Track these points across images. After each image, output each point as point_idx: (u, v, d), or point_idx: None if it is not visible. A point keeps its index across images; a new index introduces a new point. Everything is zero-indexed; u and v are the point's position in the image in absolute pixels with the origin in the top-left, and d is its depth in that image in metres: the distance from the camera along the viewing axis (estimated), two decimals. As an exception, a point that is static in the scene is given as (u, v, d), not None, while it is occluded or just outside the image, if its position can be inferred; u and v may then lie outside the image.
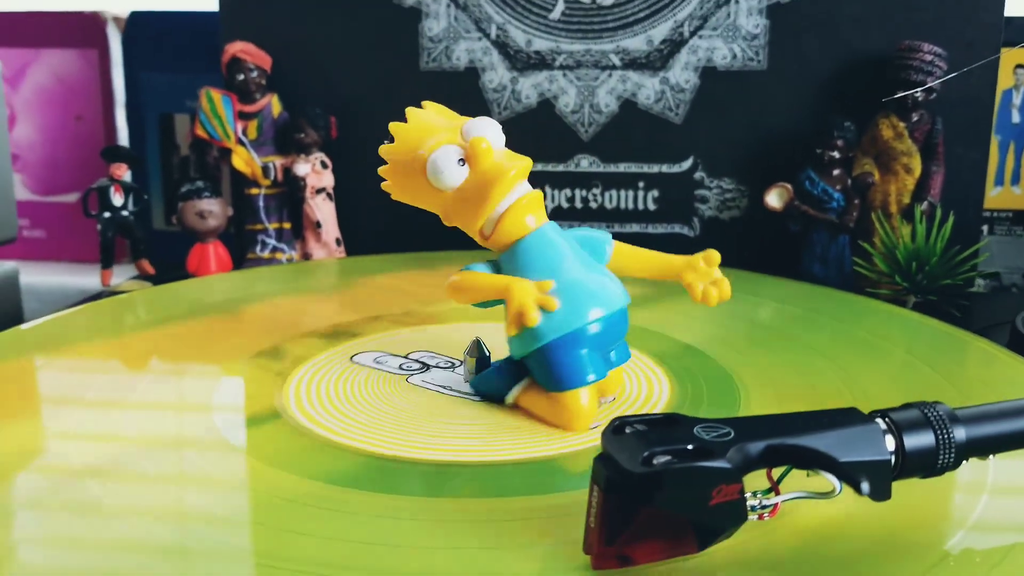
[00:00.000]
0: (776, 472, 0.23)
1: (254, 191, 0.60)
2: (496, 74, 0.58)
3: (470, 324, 0.42)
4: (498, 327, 0.37)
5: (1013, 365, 0.37)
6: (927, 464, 0.24)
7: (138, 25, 0.76)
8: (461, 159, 0.32)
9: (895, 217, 0.53)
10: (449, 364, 0.37)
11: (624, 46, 0.57)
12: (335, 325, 0.42)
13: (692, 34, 0.56)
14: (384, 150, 0.34)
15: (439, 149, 0.32)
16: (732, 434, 0.22)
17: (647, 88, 0.57)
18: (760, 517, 0.23)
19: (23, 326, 0.41)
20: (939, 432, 0.24)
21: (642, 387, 0.35)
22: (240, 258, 0.60)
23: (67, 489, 0.26)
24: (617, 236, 0.57)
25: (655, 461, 0.21)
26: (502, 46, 0.58)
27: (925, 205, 0.53)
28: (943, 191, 0.54)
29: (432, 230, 0.60)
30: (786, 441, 0.22)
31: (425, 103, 0.35)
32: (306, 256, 0.60)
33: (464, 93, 0.59)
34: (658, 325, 0.42)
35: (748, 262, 0.57)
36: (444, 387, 0.35)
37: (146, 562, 0.23)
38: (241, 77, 0.58)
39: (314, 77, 0.60)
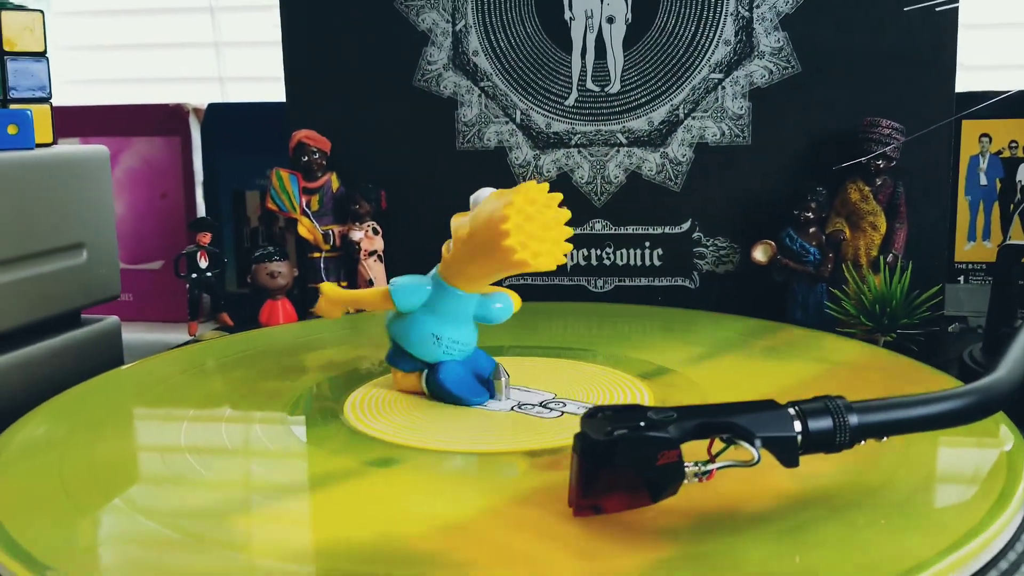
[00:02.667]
0: (715, 449, 0.31)
1: (316, 255, 0.69)
2: (521, 152, 0.67)
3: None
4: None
5: (948, 383, 0.45)
6: (827, 442, 0.31)
7: (215, 115, 0.86)
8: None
9: (864, 268, 0.61)
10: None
11: (629, 127, 0.65)
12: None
13: (687, 116, 0.65)
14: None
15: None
16: (675, 416, 0.30)
17: (650, 162, 0.66)
18: (701, 480, 0.30)
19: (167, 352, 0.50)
20: (836, 418, 0.31)
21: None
22: (304, 313, 0.69)
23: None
24: (626, 289, 0.66)
25: (614, 433, 0.29)
26: (526, 128, 0.67)
27: (890, 257, 0.60)
28: (908, 245, 0.61)
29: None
30: (715, 419, 0.30)
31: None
32: (360, 311, 0.68)
33: (494, 169, 0.68)
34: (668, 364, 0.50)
35: (741, 308, 0.64)
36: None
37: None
38: (305, 159, 0.68)
39: (366, 157, 0.69)
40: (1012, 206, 0.73)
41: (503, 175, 0.68)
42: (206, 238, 0.63)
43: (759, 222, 0.64)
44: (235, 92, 0.94)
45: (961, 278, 0.73)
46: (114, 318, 0.61)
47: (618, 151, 0.66)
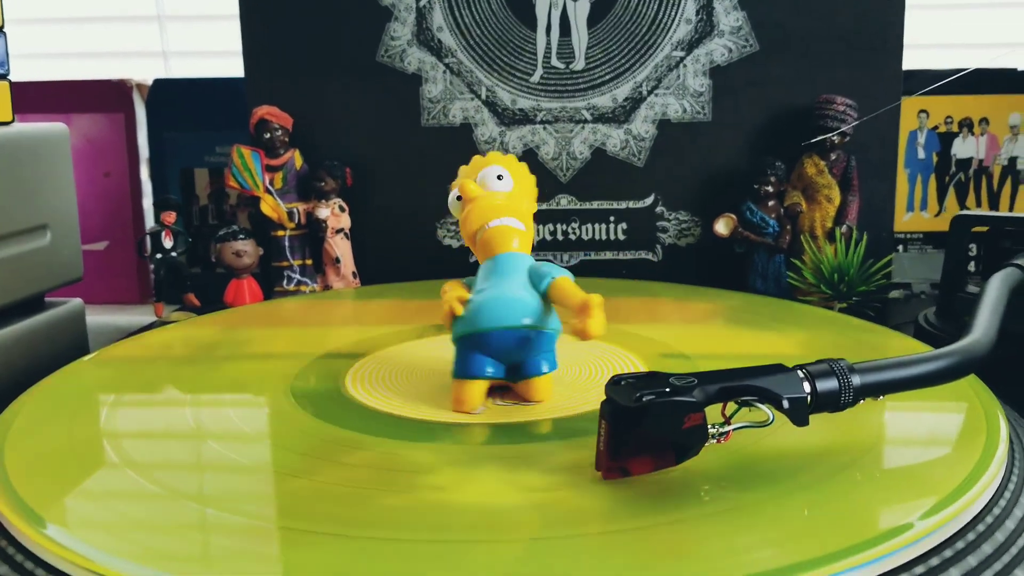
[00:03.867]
0: (728, 411, 0.33)
1: (280, 233, 0.68)
2: (487, 129, 0.68)
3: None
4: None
5: (913, 345, 0.47)
6: (833, 402, 0.33)
7: (161, 91, 0.84)
8: (459, 196, 0.41)
9: (820, 239, 0.63)
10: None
11: (594, 103, 0.67)
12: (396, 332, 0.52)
13: (649, 93, 0.66)
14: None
15: (451, 192, 0.42)
16: (696, 381, 0.32)
17: (614, 138, 0.67)
18: (718, 441, 0.32)
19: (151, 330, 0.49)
20: (841, 379, 0.33)
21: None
22: (268, 291, 0.68)
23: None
24: (591, 263, 0.67)
25: (643, 399, 0.30)
26: (491, 105, 0.67)
27: (844, 228, 0.63)
28: (859, 216, 0.64)
29: (431, 261, 0.69)
30: (734, 383, 0.32)
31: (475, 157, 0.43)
32: (327, 288, 0.68)
33: (460, 145, 0.68)
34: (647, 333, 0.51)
35: (703, 280, 0.66)
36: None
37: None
38: (267, 135, 0.67)
39: (330, 134, 0.69)
40: (947, 178, 0.77)
41: (469, 151, 0.67)
42: (171, 217, 0.62)
43: (720, 196, 0.66)
44: (179, 67, 0.91)
45: (900, 247, 0.77)
46: (78, 301, 0.59)
47: (583, 127, 0.67)
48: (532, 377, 0.40)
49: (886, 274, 0.60)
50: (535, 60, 0.66)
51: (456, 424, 0.38)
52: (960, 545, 0.28)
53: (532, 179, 0.43)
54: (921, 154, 0.77)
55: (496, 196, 0.41)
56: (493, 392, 0.40)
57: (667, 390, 0.31)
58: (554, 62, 0.66)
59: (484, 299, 0.39)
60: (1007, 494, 0.32)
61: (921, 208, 0.78)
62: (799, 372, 0.33)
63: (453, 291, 0.40)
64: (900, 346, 0.48)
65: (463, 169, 0.43)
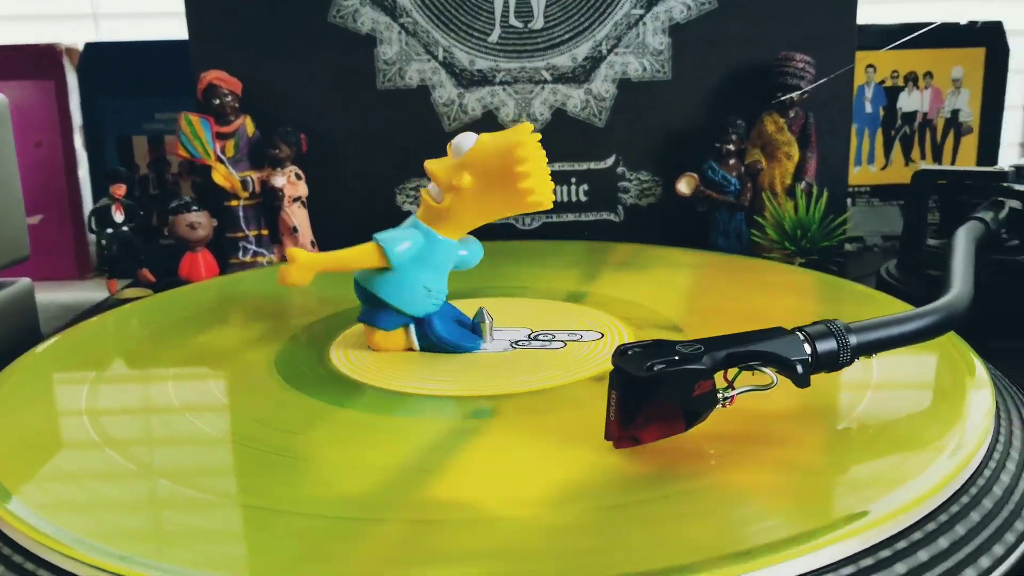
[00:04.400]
0: (731, 376, 0.33)
1: (234, 203, 0.65)
2: (445, 91, 0.66)
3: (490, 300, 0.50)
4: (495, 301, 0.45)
5: (879, 298, 0.49)
6: (832, 361, 0.33)
7: (93, 55, 0.80)
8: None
9: (780, 196, 0.64)
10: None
11: (553, 63, 0.66)
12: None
13: (609, 52, 0.65)
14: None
15: None
16: (702, 348, 0.32)
17: (574, 98, 0.66)
18: (724, 405, 0.32)
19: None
20: (839, 339, 0.33)
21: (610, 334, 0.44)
22: (223, 264, 0.66)
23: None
24: (554, 225, 0.67)
25: (655, 368, 0.30)
26: (449, 66, 0.66)
27: (803, 184, 0.64)
28: (817, 172, 0.65)
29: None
30: (739, 348, 0.32)
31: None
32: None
33: (417, 108, 0.66)
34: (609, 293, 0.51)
35: (665, 239, 0.66)
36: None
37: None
38: (217, 101, 0.64)
39: (281, 98, 0.66)
40: (893, 132, 0.79)
41: (427, 114, 0.66)
42: (120, 190, 0.59)
43: (680, 155, 0.66)
44: (111, 30, 0.87)
45: (849, 200, 0.78)
46: (26, 280, 0.57)
47: (543, 88, 0.66)
48: (365, 324, 0.43)
49: (846, 230, 0.61)
50: (493, 19, 0.65)
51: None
52: (964, 499, 0.29)
53: (501, 161, 0.40)
54: (868, 108, 0.78)
55: (434, 161, 0.40)
56: None
57: (676, 359, 0.31)
58: (512, 21, 0.65)
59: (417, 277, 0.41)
60: (999, 447, 0.33)
61: (868, 162, 0.79)
62: (799, 334, 0.33)
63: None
64: (862, 295, 0.49)
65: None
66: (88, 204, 0.83)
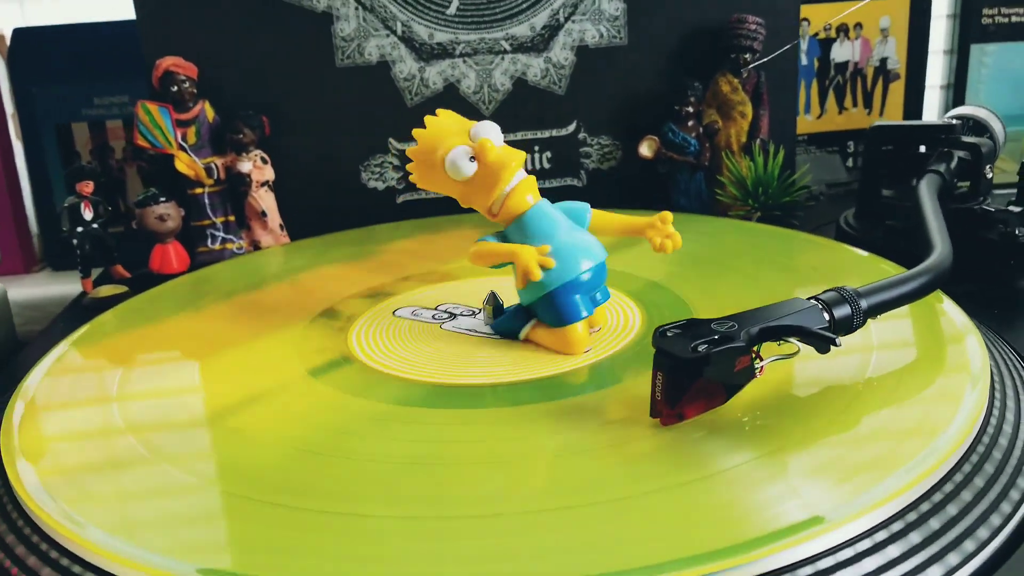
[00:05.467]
0: (759, 348, 0.34)
1: (198, 191, 0.64)
2: (405, 65, 0.65)
3: (483, 279, 0.50)
4: (502, 280, 0.46)
5: (842, 249, 0.52)
6: (848, 326, 0.35)
7: (22, 41, 0.76)
8: (471, 156, 0.40)
9: (737, 154, 0.66)
10: (470, 312, 0.45)
11: (512, 33, 0.66)
12: (372, 288, 0.50)
13: (567, 20, 0.66)
14: (410, 151, 0.42)
15: (454, 150, 0.40)
16: (736, 325, 0.33)
17: (534, 67, 0.66)
18: (755, 375, 0.34)
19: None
20: (852, 304, 0.36)
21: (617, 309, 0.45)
22: (191, 254, 0.65)
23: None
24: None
25: (699, 349, 0.32)
26: (408, 40, 0.65)
27: (758, 142, 0.66)
28: (770, 129, 0.67)
29: (357, 206, 0.67)
30: (771, 323, 0.33)
31: (439, 111, 0.42)
32: (254, 243, 0.65)
33: (378, 84, 0.65)
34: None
35: (626, 202, 0.68)
36: (470, 331, 0.43)
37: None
38: (175, 88, 0.62)
39: (238, 81, 0.65)
40: (827, 82, 0.82)
41: (388, 90, 0.66)
42: (88, 187, 0.57)
43: (641, 120, 0.67)
44: (36, 14, 0.82)
45: (790, 150, 0.81)
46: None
47: (503, 58, 0.66)
48: (603, 303, 0.42)
49: (804, 184, 0.63)
50: (450, -8, 0.64)
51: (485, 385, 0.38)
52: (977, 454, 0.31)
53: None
54: (804, 60, 0.81)
55: (511, 152, 0.40)
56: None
57: (716, 338, 0.32)
58: (469, -7, 0.64)
59: (566, 246, 0.40)
60: (996, 400, 0.35)
61: (805, 112, 0.82)
62: (816, 304, 0.35)
63: (526, 251, 0.40)
64: (826, 247, 0.52)
65: (440, 126, 0.41)
66: (28, 196, 0.80)
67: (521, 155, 0.41)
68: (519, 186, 0.41)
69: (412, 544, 0.27)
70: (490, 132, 0.41)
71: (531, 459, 0.32)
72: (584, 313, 0.40)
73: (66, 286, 0.72)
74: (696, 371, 0.32)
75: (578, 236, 0.41)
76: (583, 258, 0.40)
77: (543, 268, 0.40)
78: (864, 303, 0.36)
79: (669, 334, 0.33)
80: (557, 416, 0.35)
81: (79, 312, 0.56)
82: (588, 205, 0.42)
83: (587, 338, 0.41)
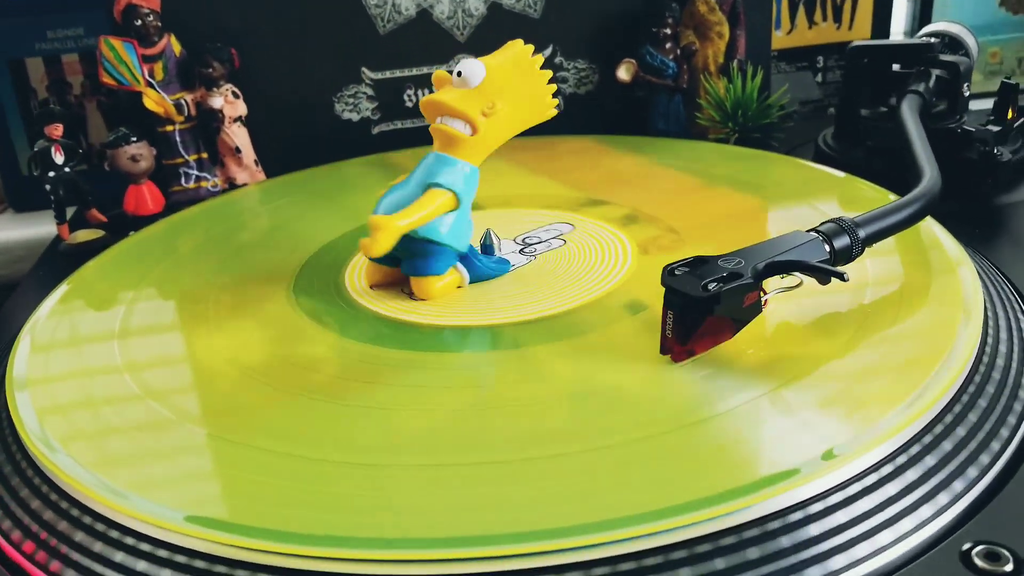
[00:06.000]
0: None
1: (168, 128, 0.62)
2: (376, -9, 0.63)
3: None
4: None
5: (821, 172, 0.53)
6: (848, 256, 0.36)
7: (-35, -28, 0.72)
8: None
9: (715, 75, 0.66)
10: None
11: (485, -44, 0.64)
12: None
13: (540, -60, 0.64)
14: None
15: None
16: (743, 262, 0.34)
17: (509, -9, 0.65)
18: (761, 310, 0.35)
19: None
20: (850, 234, 0.36)
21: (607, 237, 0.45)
22: (165, 193, 0.63)
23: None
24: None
25: (711, 287, 0.32)
26: (378, -34, 0.63)
27: (736, 63, 0.65)
28: (746, 49, 0.67)
29: (333, 138, 0.66)
30: (777, 259, 0.34)
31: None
32: (229, 180, 0.63)
33: (348, 11, 0.63)
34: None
35: (606, 125, 0.67)
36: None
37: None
38: (139, 22, 0.59)
39: (201, 12, 0.62)
40: (798, -3, 0.81)
41: (358, 17, 0.64)
42: (57, 130, 0.55)
43: (617, 43, 0.66)
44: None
45: (761, 68, 0.80)
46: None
47: (476, -18, 0.64)
48: (417, 275, 0.40)
49: (782, 105, 0.63)
50: (419, -87, 0.62)
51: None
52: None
53: (527, 78, 0.40)
54: (773, -26, 0.79)
55: (445, 94, 0.39)
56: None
57: (725, 275, 0.33)
58: (440, -86, 0.62)
59: (386, 193, 0.40)
60: (989, 327, 0.36)
61: (775, 27, 0.81)
62: (817, 236, 0.35)
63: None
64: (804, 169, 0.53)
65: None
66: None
67: (446, 100, 0.39)
68: (434, 129, 0.40)
69: (425, 492, 0.27)
70: (454, 70, 0.40)
71: (544, 402, 0.32)
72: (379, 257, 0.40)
73: (30, 228, 0.70)
74: (707, 309, 0.32)
75: (395, 202, 0.40)
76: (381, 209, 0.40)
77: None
78: (862, 232, 0.36)
79: (677, 272, 0.33)
80: (564, 356, 0.35)
81: (58, 259, 0.55)
82: (442, 184, 0.39)
83: (371, 276, 0.42)
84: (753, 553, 0.25)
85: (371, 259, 0.41)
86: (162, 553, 0.26)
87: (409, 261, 0.40)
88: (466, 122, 0.39)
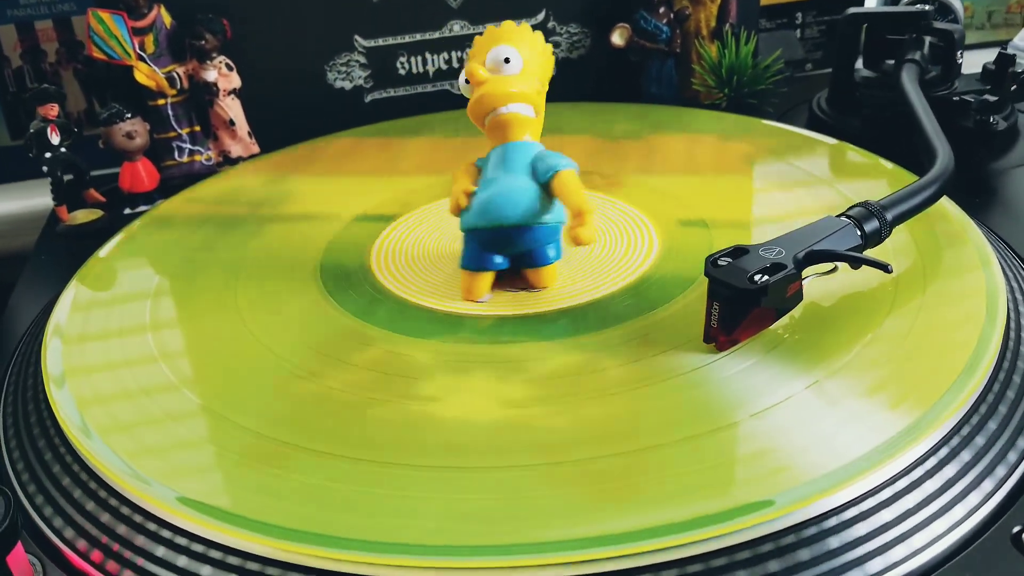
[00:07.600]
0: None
1: (160, 102, 0.59)
2: (369, -43, 0.61)
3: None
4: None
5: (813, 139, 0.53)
6: (877, 239, 0.36)
7: (-74, -66, 0.67)
8: (467, 79, 0.39)
9: (707, 39, 0.65)
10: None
11: (479, -81, 0.61)
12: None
13: (534, -97, 0.62)
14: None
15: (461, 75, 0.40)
16: (783, 251, 0.34)
17: (502, -45, 0.63)
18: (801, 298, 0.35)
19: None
20: (879, 218, 0.36)
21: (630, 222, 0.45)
22: (158, 168, 0.61)
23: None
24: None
25: (756, 279, 0.32)
26: (370, -69, 0.60)
27: (728, 26, 0.65)
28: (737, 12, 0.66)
29: (326, 108, 0.64)
30: (815, 248, 0.34)
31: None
32: (223, 153, 0.61)
33: (341, -21, 0.61)
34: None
35: (600, 90, 0.67)
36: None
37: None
38: (126, -7, 0.56)
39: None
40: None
41: (351, -15, 0.61)
42: (52, 111, 0.52)
43: (609, 7, 0.65)
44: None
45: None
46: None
47: (470, -53, 0.62)
48: (539, 267, 0.39)
49: (778, 69, 0.63)
50: None
51: (465, 315, 0.38)
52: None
53: (546, 51, 0.40)
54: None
55: (505, 81, 0.38)
56: (504, 278, 0.40)
57: (768, 265, 0.33)
58: None
59: (489, 194, 0.38)
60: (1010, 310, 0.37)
61: (757, -14, 0.81)
62: (849, 222, 0.36)
63: (460, 182, 0.39)
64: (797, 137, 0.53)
65: (477, 41, 0.40)
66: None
67: (509, 87, 0.38)
68: (501, 119, 0.38)
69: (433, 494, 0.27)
70: (495, 57, 0.38)
71: (585, 396, 0.32)
72: (479, 264, 0.39)
73: (10, 202, 0.67)
74: (755, 301, 0.32)
75: (517, 189, 0.38)
76: (500, 212, 0.37)
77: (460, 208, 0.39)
78: (889, 215, 0.37)
79: (721, 263, 0.33)
80: (603, 349, 0.35)
81: (58, 240, 0.53)
82: (566, 166, 0.38)
83: (479, 290, 0.39)
84: (804, 555, 0.26)
85: (466, 269, 0.39)
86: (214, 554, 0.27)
87: (525, 255, 0.39)
88: (530, 104, 0.38)
